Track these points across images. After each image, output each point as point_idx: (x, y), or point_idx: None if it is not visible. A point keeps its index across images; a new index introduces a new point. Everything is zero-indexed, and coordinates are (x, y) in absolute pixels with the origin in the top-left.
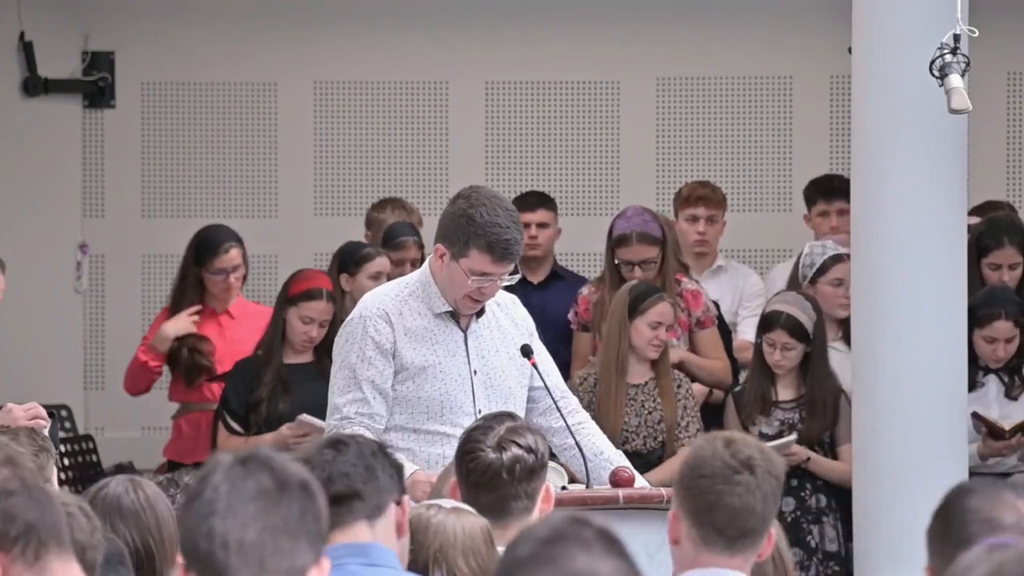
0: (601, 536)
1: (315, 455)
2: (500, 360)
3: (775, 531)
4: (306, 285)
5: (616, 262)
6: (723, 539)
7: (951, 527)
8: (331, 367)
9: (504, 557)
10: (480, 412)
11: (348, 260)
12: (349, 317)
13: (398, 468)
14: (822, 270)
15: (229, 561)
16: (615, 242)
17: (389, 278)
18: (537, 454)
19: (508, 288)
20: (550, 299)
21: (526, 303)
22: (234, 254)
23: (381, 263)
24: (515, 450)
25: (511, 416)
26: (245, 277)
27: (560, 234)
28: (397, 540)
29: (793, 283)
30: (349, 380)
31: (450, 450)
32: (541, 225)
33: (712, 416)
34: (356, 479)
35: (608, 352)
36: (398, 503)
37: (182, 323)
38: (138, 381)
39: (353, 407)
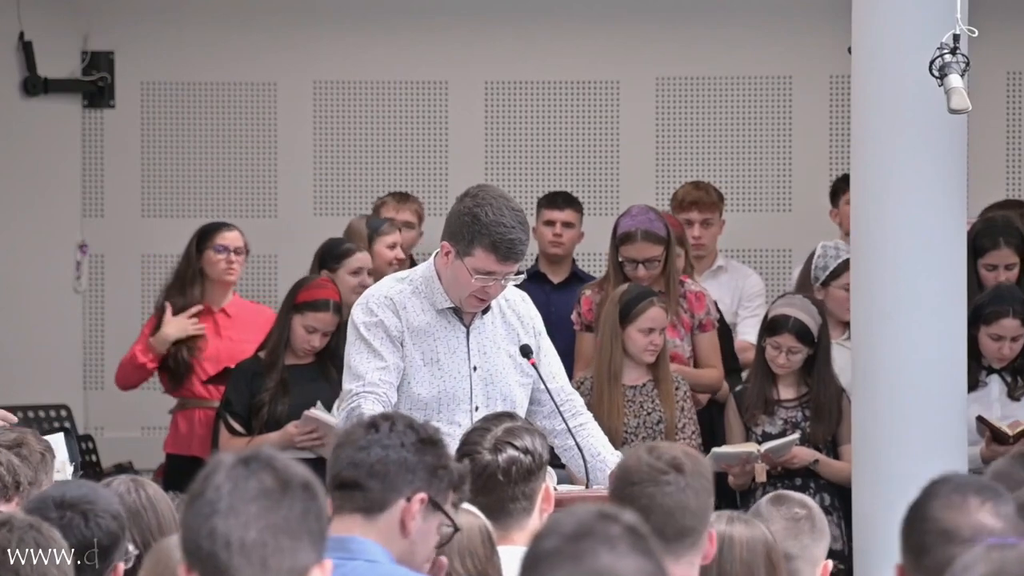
0: (628, 533)
1: (350, 433)
2: (501, 358)
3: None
4: (314, 295)
5: (620, 260)
6: (662, 540)
7: (912, 532)
8: (335, 365)
9: (529, 549)
10: (477, 409)
11: (328, 257)
12: (356, 303)
13: (434, 467)
14: (835, 274)
15: (231, 561)
16: (619, 240)
17: (373, 273)
18: (534, 455)
19: (523, 286)
20: (569, 299)
21: (545, 301)
22: (236, 235)
23: (361, 259)
24: (511, 452)
25: (511, 416)
26: (242, 263)
27: (583, 237)
28: (401, 539)
29: (805, 282)
30: (369, 353)
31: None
32: (567, 224)
33: (715, 415)
34: (363, 469)
35: (601, 359)
36: (408, 500)
37: (183, 324)
38: (130, 377)
39: (378, 374)
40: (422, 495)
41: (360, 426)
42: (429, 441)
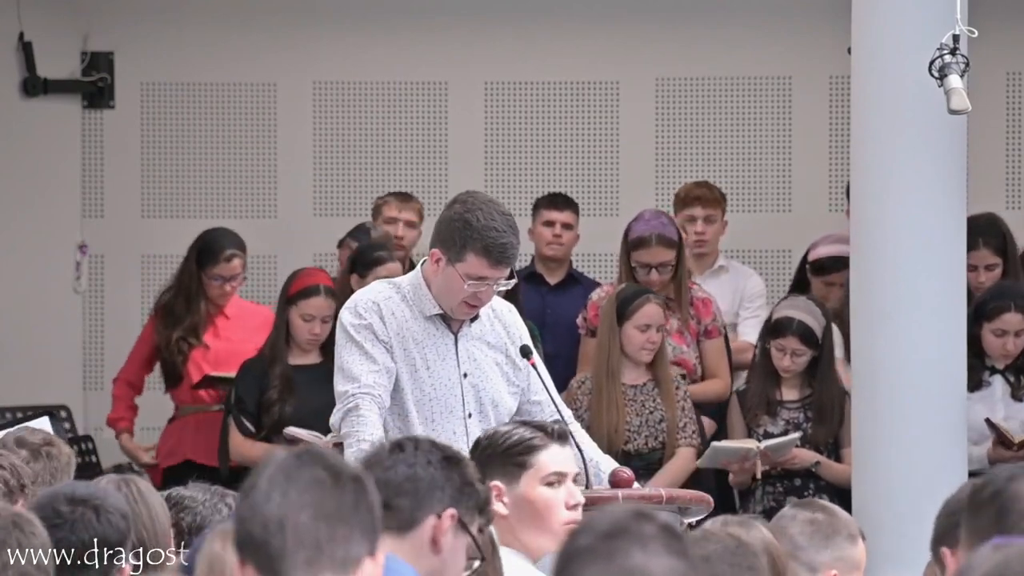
0: (662, 533)
1: (375, 455)
2: (489, 365)
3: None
4: (304, 283)
5: (632, 265)
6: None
7: (999, 517)
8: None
9: (563, 546)
10: (470, 416)
11: (359, 262)
12: (345, 306)
13: (461, 484)
14: None
15: (285, 545)
16: (632, 244)
17: None
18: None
19: (512, 291)
20: (565, 301)
21: (540, 303)
22: (236, 264)
23: (391, 268)
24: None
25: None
26: (240, 283)
27: (579, 239)
28: (432, 556)
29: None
30: (361, 355)
31: None
32: (566, 226)
33: (718, 414)
34: (391, 488)
35: (599, 357)
36: (439, 516)
37: (138, 454)
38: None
39: (372, 376)
40: (452, 511)
41: (384, 448)
42: (454, 459)
